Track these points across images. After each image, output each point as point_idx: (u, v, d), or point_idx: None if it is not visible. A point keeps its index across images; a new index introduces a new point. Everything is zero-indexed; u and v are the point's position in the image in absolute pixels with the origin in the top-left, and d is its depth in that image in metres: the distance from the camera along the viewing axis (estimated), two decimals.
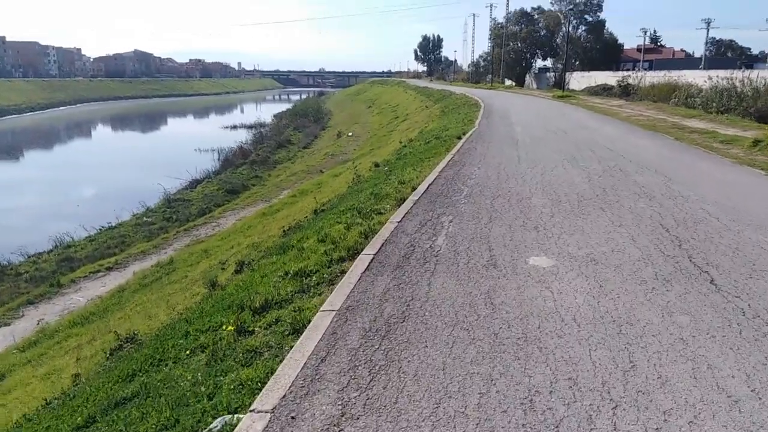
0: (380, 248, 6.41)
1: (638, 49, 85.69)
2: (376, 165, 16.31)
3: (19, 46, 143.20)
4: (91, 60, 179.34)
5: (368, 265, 5.86)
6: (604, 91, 47.59)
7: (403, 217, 7.81)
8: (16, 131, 72.01)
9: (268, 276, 6.57)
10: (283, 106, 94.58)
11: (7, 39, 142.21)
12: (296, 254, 7.18)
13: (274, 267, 7.05)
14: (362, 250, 6.40)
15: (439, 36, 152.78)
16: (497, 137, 17.84)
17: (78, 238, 20.43)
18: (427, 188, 9.78)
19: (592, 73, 60.71)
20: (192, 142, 50.87)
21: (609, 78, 52.26)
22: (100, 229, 21.44)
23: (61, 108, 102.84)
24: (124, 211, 23.64)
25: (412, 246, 6.52)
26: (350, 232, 7.23)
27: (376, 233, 7.05)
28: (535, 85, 78.76)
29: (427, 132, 24.07)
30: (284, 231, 9.54)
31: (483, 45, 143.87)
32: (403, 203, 8.73)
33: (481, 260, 5.99)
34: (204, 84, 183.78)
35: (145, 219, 22.08)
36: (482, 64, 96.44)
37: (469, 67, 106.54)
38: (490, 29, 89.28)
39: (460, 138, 17.50)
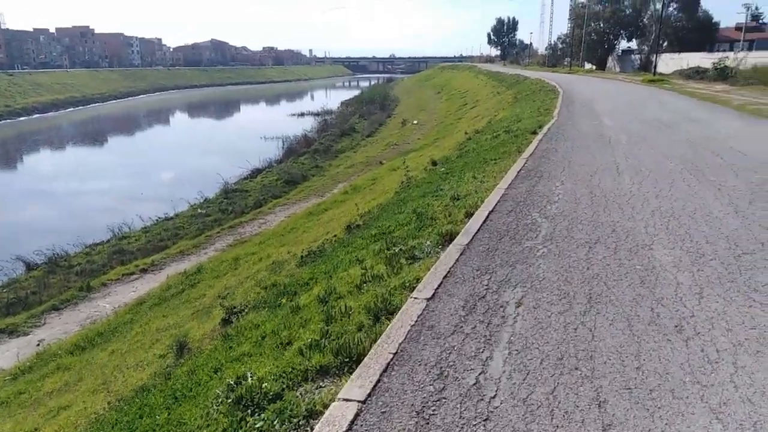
0: (378, 381, 3.51)
1: (737, 28, 77.64)
2: (434, 164, 14.40)
3: (105, 37, 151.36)
4: (171, 50, 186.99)
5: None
6: (697, 74, 43.01)
7: (442, 281, 5.00)
8: (100, 118, 75.52)
9: (209, 385, 4.53)
10: (352, 93, 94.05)
11: (96, 31, 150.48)
12: (280, 325, 5.20)
13: (237, 352, 5.01)
14: (357, 363, 3.82)
15: (514, 18, 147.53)
16: (582, 133, 14.60)
17: (134, 228, 20.12)
18: (487, 217, 6.89)
19: (683, 54, 55.33)
20: (259, 130, 51.04)
21: (703, 60, 47.22)
22: (157, 220, 21.03)
23: (141, 96, 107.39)
24: (186, 199, 23.28)
25: (441, 376, 3.51)
26: (360, 298, 5.08)
27: (393, 314, 4.50)
28: (618, 69, 73.36)
29: (496, 123, 21.84)
30: (303, 256, 7.93)
31: (561, 26, 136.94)
32: (449, 242, 6.14)
33: None
34: (275, 71, 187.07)
35: (199, 211, 21.44)
36: (560, 46, 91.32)
37: (546, 50, 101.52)
38: (570, 9, 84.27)
39: (535, 133, 14.60)
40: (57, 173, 39.67)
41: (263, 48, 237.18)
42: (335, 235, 8.59)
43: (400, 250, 6.09)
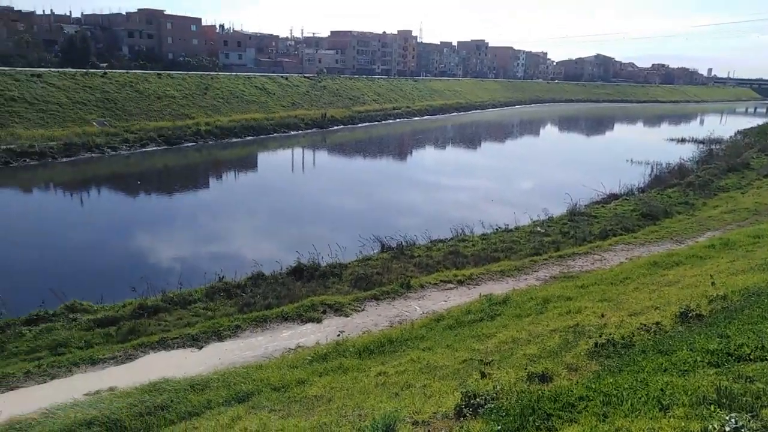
0: None
1: None
2: None
3: (497, 50, 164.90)
4: (554, 64, 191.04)
5: None
6: None
7: None
8: (477, 123, 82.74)
9: None
10: (755, 121, 78.40)
11: (489, 44, 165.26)
12: None
13: None
14: None
15: None
16: None
17: (474, 232, 20.68)
18: None
19: None
20: (627, 151, 47.36)
21: None
22: (496, 229, 21.16)
23: (517, 106, 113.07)
24: (530, 213, 22.90)
25: None
26: None
27: None
28: None
29: None
30: (599, 344, 5.52)
31: None
32: None
33: None
34: (660, 91, 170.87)
35: (539, 229, 20.57)
36: None
37: None
38: None
39: None
40: (432, 166, 45.07)
41: (652, 65, 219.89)
42: (658, 323, 6.22)
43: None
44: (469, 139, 66.06)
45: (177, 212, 28.28)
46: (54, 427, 6.17)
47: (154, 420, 6.32)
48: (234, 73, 69.48)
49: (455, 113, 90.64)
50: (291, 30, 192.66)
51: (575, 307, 8.26)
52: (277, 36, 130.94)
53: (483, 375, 5.10)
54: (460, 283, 13.59)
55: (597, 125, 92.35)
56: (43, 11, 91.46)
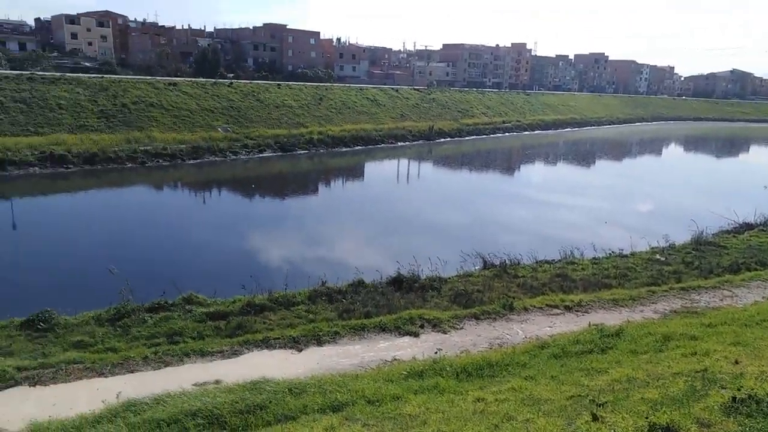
0: None
1: None
2: None
3: (617, 64, 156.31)
4: (682, 79, 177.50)
5: None
6: None
7: None
8: (592, 140, 78.79)
9: None
10: None
11: (609, 58, 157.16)
12: None
13: None
14: None
15: None
16: None
17: (584, 255, 19.50)
18: None
19: None
20: (766, 178, 42.52)
21: None
22: (609, 254, 19.78)
23: (638, 123, 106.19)
24: (648, 239, 21.19)
25: None
26: None
27: None
28: None
29: None
30: (736, 399, 4.65)
31: None
32: None
33: None
34: None
35: (658, 257, 18.93)
36: None
37: None
38: None
39: None
40: (541, 183, 43.48)
41: None
42: None
43: None
44: (583, 156, 62.96)
45: (286, 215, 29.61)
46: (162, 414, 6.54)
47: (253, 419, 6.48)
48: (347, 85, 71.94)
49: (568, 129, 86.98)
50: (404, 43, 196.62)
51: (702, 348, 7.33)
52: (390, 49, 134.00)
53: (595, 418, 4.60)
54: (568, 308, 12.76)
55: (729, 147, 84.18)
56: (182, 26, 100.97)
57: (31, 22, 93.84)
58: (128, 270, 14.54)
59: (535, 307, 12.77)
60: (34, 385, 8.85)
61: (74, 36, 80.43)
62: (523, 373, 7.48)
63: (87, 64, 70.06)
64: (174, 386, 7.99)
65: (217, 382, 8.88)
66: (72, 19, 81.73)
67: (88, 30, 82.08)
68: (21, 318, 11.71)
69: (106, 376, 9.20)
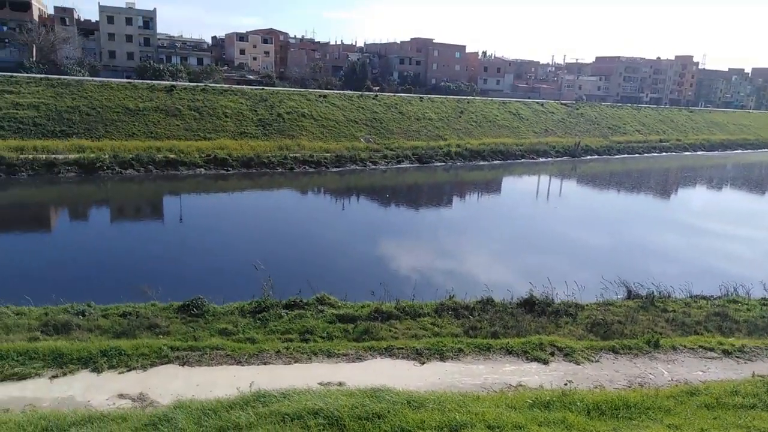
0: None
1: None
2: None
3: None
4: None
5: None
6: None
7: None
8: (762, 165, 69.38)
9: None
10: None
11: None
12: None
13: None
14: None
15: None
16: None
17: (751, 294, 17.02)
18: None
19: None
20: None
21: None
22: None
23: None
24: None
25: None
26: None
27: None
28: None
29: None
30: None
31: None
32: None
33: None
34: None
35: None
36: None
37: None
38: None
39: None
40: (700, 208, 39.01)
41: None
42: None
43: None
44: (755, 181, 55.48)
45: (419, 226, 29.85)
46: (288, 409, 6.79)
47: (371, 427, 6.47)
48: (489, 98, 71.04)
49: (740, 150, 77.38)
50: (552, 56, 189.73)
51: None
52: (537, 62, 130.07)
53: None
54: (726, 353, 11.14)
55: None
56: (335, 41, 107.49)
57: (209, 40, 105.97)
58: (270, 265, 15.59)
59: (685, 347, 11.32)
60: (182, 365, 9.76)
61: (242, 52, 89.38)
62: (666, 420, 6.59)
63: (251, 77, 77.47)
64: (300, 383, 8.31)
65: (341, 384, 9.08)
66: (242, 37, 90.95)
67: (254, 46, 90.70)
68: (179, 302, 13.05)
69: (242, 365, 9.87)
